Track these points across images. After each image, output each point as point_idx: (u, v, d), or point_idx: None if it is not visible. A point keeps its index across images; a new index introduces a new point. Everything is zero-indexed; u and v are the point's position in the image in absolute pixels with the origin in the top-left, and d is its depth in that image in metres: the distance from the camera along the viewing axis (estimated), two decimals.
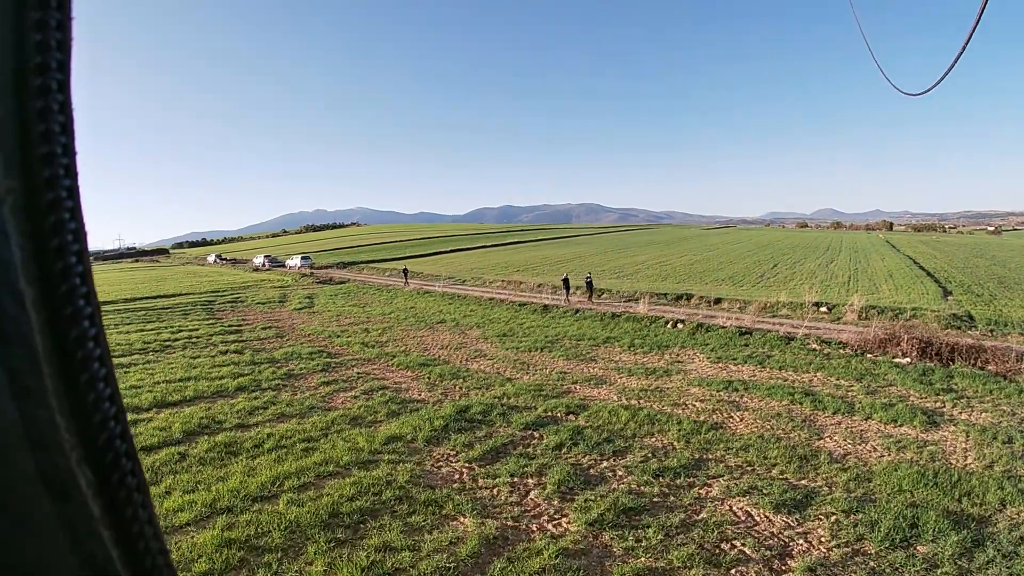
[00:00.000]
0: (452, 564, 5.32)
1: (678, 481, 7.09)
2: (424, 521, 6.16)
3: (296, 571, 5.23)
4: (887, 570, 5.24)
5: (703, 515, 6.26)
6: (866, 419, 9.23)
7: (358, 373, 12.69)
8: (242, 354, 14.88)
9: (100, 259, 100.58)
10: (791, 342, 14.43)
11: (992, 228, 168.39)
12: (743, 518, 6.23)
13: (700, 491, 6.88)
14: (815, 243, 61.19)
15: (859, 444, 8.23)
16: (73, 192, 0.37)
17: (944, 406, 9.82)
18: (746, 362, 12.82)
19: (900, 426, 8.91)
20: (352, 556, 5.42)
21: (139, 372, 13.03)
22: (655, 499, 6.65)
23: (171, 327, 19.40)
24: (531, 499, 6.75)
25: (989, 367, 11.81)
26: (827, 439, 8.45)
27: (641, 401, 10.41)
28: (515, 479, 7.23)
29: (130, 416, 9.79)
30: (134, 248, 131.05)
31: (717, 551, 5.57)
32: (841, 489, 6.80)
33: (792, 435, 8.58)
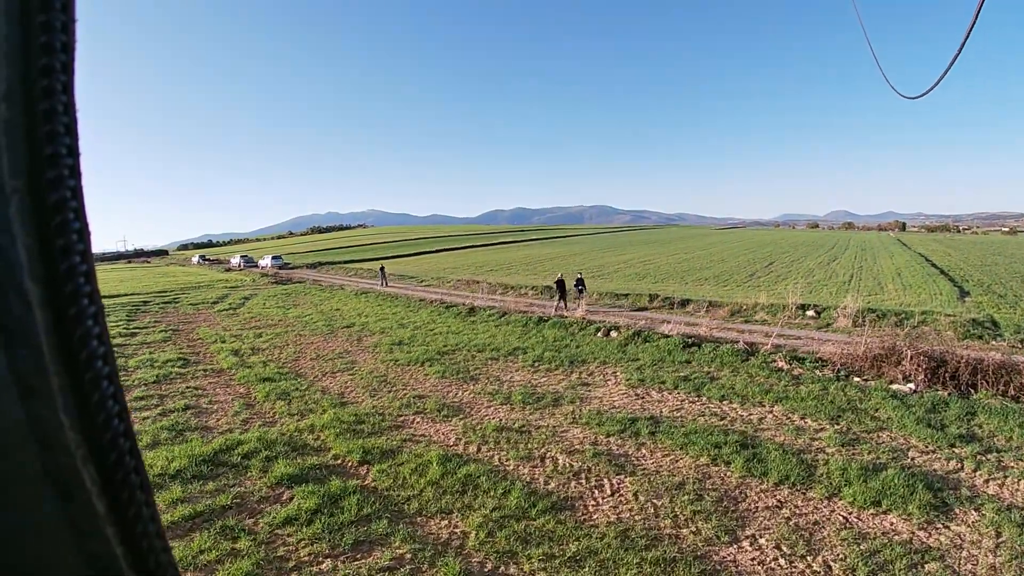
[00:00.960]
0: None
1: None
2: None
3: None
4: None
5: None
6: (829, 497, 5.49)
7: (186, 388, 10.20)
8: None
9: (95, 261, 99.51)
10: (750, 358, 10.58)
11: (1007, 229, 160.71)
12: None
13: None
14: (821, 241, 56.67)
15: (801, 559, 4.51)
16: (77, 192, 0.36)
17: (962, 468, 6.04)
18: (677, 387, 9.04)
19: (885, 513, 5.17)
20: None
21: None
22: None
23: None
24: None
25: None
26: (745, 545, 4.69)
27: (483, 448, 6.77)
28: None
29: None
30: (134, 250, 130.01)
31: None
32: None
33: (685, 533, 4.86)
